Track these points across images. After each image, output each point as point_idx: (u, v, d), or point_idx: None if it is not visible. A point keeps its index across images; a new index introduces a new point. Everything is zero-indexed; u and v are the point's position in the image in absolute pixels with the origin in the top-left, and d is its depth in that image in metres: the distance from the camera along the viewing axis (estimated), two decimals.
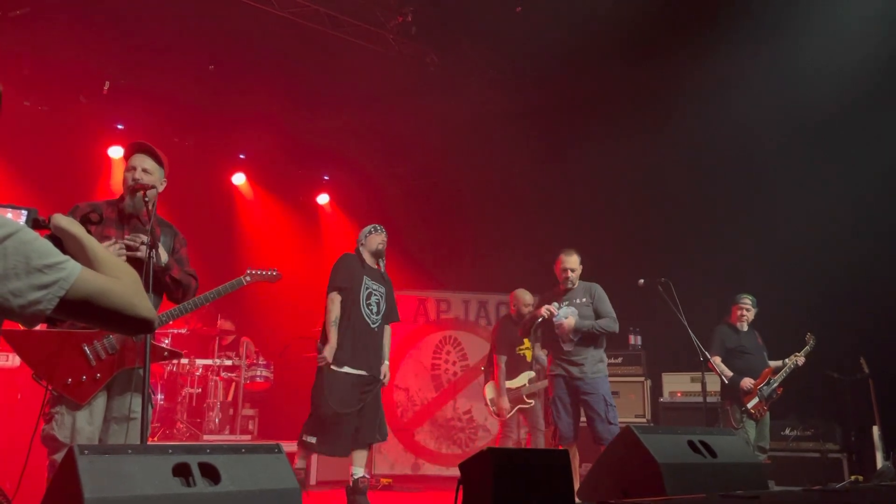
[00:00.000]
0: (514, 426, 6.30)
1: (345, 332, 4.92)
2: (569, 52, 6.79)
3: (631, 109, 7.33)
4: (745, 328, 6.20)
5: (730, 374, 5.94)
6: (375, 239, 5.19)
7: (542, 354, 6.25)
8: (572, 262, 5.56)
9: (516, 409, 6.27)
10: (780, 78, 6.68)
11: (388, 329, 5.24)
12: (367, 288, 5.08)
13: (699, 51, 6.49)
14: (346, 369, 4.85)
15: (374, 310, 5.08)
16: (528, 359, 6.46)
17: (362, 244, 5.22)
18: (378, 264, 5.21)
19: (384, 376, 5.07)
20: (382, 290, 5.18)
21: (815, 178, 6.71)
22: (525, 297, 6.40)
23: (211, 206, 8.14)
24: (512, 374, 6.33)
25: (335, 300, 4.97)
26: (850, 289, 6.64)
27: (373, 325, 5.04)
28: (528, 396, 6.29)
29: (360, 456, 4.85)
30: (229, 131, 8.01)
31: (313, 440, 4.79)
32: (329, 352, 4.85)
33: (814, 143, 6.72)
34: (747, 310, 6.17)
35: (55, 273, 1.33)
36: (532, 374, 6.36)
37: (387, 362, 5.14)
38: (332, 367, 4.83)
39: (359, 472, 4.81)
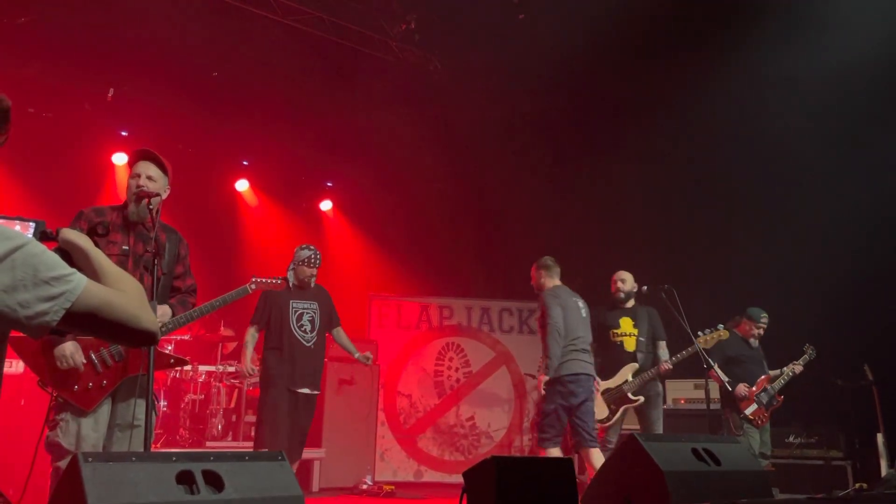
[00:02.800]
0: (618, 430, 5.58)
1: (281, 356, 5.31)
2: (572, 58, 6.80)
3: (636, 115, 7.34)
4: (754, 343, 6.17)
5: (726, 379, 5.92)
6: (305, 272, 5.47)
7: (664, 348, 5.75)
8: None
9: (622, 409, 5.54)
10: (787, 85, 6.65)
11: (340, 332, 5.74)
12: (297, 310, 5.45)
13: (705, 56, 6.50)
14: (282, 389, 5.28)
15: (308, 328, 5.45)
16: (629, 347, 5.67)
17: (293, 268, 5.51)
18: (308, 283, 5.51)
19: (367, 358, 5.72)
20: (314, 305, 5.53)
21: (819, 185, 6.71)
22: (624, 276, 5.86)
23: (214, 212, 8.15)
24: (609, 371, 5.64)
25: (249, 331, 5.49)
26: (854, 295, 6.61)
27: (307, 344, 5.40)
28: (636, 393, 5.53)
29: None
30: (233, 138, 8.03)
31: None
32: (246, 365, 5.46)
33: (819, 151, 6.71)
34: (762, 329, 6.13)
35: (62, 285, 1.35)
36: (636, 365, 5.59)
37: (357, 353, 5.70)
38: (271, 387, 5.28)
39: None
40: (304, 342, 5.41)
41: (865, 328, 6.49)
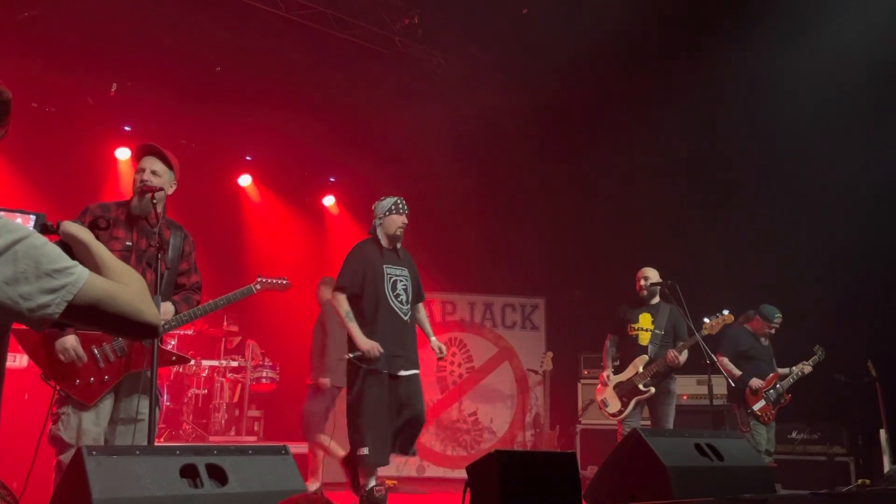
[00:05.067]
0: (635, 423, 5.54)
1: (376, 333, 4.42)
2: (576, 53, 6.78)
3: (640, 110, 7.32)
4: (765, 342, 6.16)
5: (738, 373, 5.94)
6: (395, 221, 4.59)
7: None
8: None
9: (634, 401, 5.53)
10: (791, 80, 6.63)
11: (422, 310, 4.85)
12: (391, 277, 4.55)
13: (708, 51, 6.48)
14: (386, 372, 4.40)
15: (404, 299, 4.57)
16: (643, 341, 5.64)
17: (379, 223, 4.64)
18: (399, 239, 4.68)
19: (441, 350, 4.71)
20: (406, 272, 4.66)
21: (823, 182, 6.69)
22: (649, 272, 5.78)
23: (217, 207, 8.15)
24: (622, 365, 5.67)
25: (339, 303, 4.50)
26: (858, 292, 6.61)
27: (405, 317, 4.56)
28: (647, 384, 5.50)
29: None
30: (236, 133, 8.02)
31: (366, 451, 4.31)
32: (363, 341, 4.33)
33: (824, 149, 6.69)
34: (775, 329, 6.11)
35: (64, 278, 1.34)
36: (646, 357, 5.54)
37: (434, 338, 4.79)
38: (368, 373, 4.36)
39: (372, 481, 4.39)
40: (402, 314, 4.54)
41: (869, 325, 6.48)
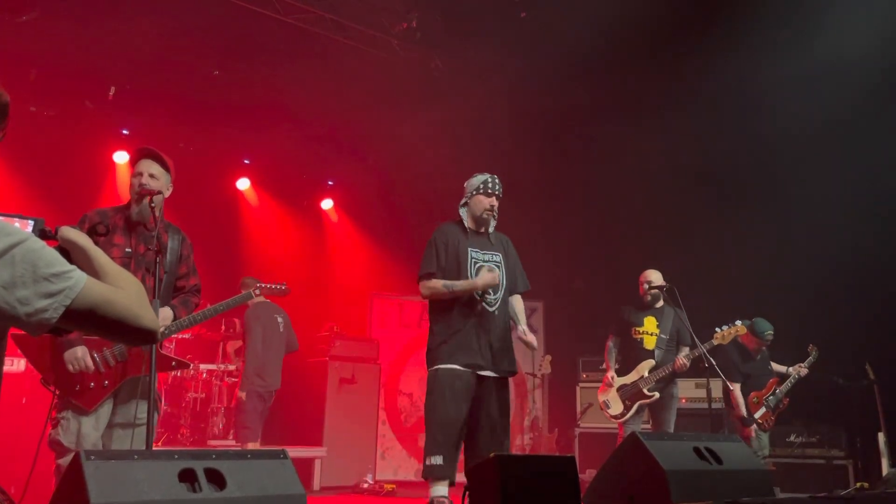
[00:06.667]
0: (636, 426, 5.48)
1: (451, 322, 4.03)
2: (574, 56, 6.79)
3: (637, 113, 7.32)
4: (759, 357, 6.14)
5: (744, 412, 5.92)
6: (482, 203, 4.20)
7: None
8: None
9: (637, 405, 5.49)
10: (793, 83, 6.63)
11: (517, 300, 4.36)
12: (476, 262, 4.14)
13: (707, 54, 6.48)
14: (457, 367, 3.94)
15: (491, 288, 4.12)
16: (649, 345, 5.58)
17: (466, 203, 4.28)
18: (487, 229, 4.29)
19: (527, 334, 4.18)
20: (498, 258, 4.22)
21: (821, 185, 6.70)
22: (652, 276, 5.73)
23: (215, 210, 8.15)
24: (627, 367, 5.63)
25: (429, 286, 4.13)
26: (855, 294, 6.61)
27: (491, 308, 4.09)
28: (651, 389, 5.44)
29: None
30: (234, 136, 8.03)
31: (439, 460, 3.93)
32: (476, 280, 4.00)
33: (822, 152, 6.69)
34: (766, 345, 6.10)
35: (62, 282, 1.34)
36: (652, 362, 5.49)
37: (523, 325, 4.28)
38: (441, 364, 3.97)
39: (434, 490, 3.95)
40: (488, 306, 4.08)
41: (867, 327, 6.48)
